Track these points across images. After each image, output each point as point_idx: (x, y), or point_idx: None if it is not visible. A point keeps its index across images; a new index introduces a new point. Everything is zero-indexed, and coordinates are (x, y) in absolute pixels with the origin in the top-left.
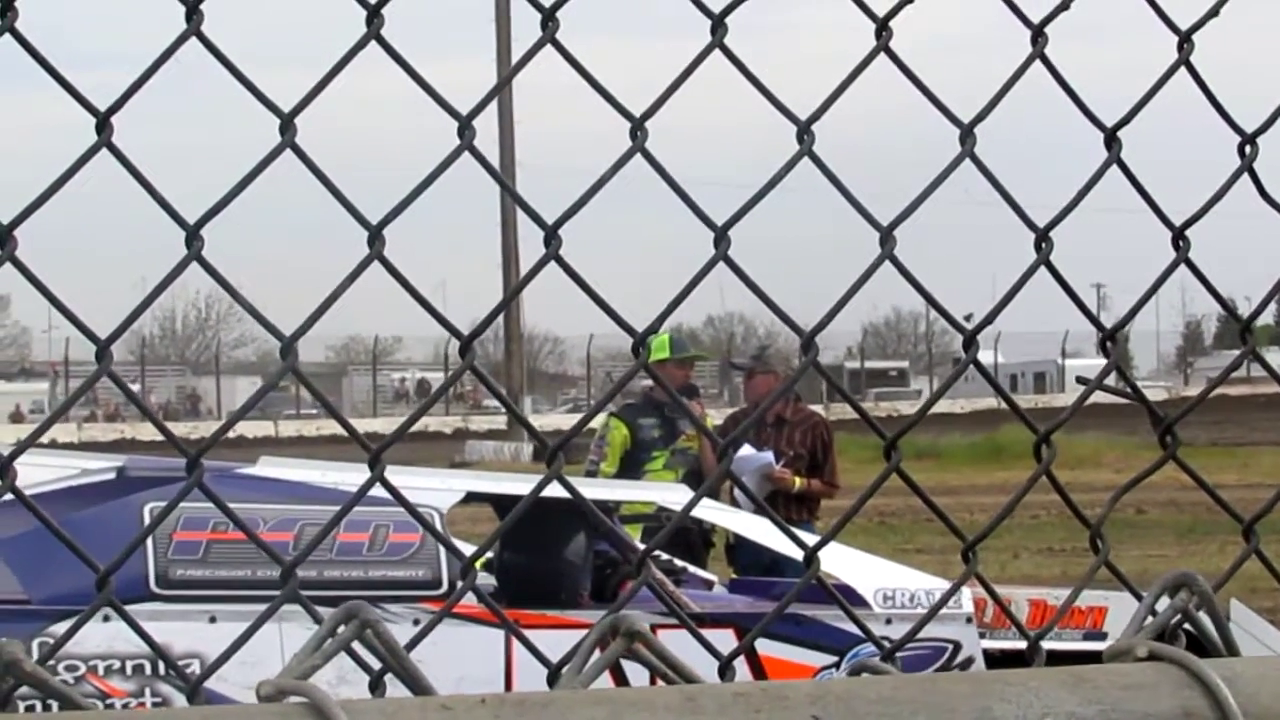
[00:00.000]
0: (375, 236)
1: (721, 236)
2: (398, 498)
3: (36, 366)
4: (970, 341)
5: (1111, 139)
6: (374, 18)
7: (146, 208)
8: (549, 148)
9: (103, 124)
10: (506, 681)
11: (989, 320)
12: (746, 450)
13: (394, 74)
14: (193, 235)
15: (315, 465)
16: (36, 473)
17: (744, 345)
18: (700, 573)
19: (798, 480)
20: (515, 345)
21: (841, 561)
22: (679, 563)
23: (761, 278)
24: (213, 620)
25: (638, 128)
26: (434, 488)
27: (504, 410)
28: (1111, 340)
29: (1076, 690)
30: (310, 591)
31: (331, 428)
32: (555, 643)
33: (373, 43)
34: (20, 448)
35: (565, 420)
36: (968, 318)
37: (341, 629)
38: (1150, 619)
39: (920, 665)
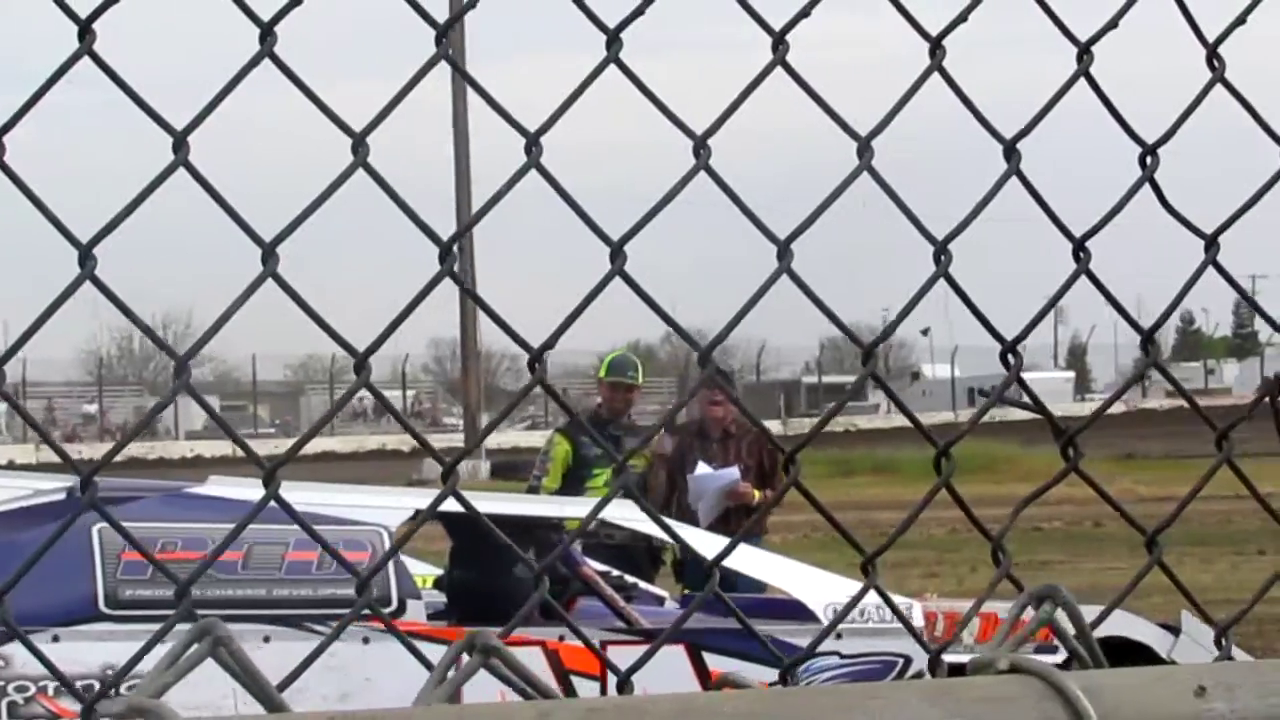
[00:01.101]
0: (446, 253)
1: (784, 251)
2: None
3: None
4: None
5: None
6: (442, 38)
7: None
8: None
9: (179, 144)
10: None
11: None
12: (704, 469)
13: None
14: (269, 253)
15: (251, 482)
16: None
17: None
18: (651, 589)
19: (756, 494)
20: (471, 362)
21: (791, 576)
22: (630, 579)
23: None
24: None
25: (700, 145)
26: (382, 505)
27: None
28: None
29: (938, 703)
30: (260, 610)
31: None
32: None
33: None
34: None
35: (522, 437)
36: (925, 331)
37: (195, 646)
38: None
39: (873, 678)
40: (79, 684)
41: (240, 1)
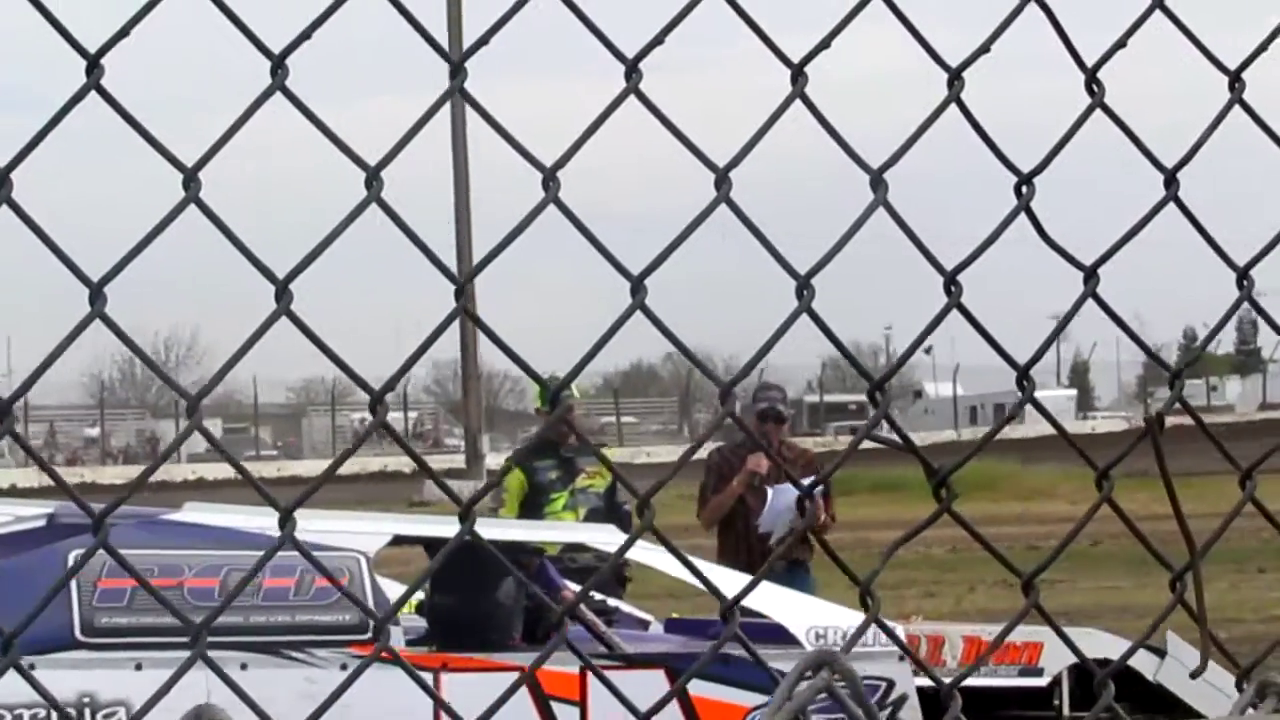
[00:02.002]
0: (460, 291)
1: (805, 286)
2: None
3: None
4: (876, 390)
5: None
6: (456, 73)
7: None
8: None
9: (190, 179)
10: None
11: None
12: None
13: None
14: (282, 290)
15: (241, 510)
16: None
17: (703, 382)
18: (636, 612)
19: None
20: (472, 384)
21: (774, 601)
22: (612, 602)
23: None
24: (139, 668)
25: (722, 179)
26: (360, 531)
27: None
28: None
29: None
30: (236, 637)
31: (292, 469)
32: (484, 685)
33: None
34: None
35: None
36: (928, 350)
37: None
38: (790, 699)
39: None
40: (55, 714)
41: (251, 34)
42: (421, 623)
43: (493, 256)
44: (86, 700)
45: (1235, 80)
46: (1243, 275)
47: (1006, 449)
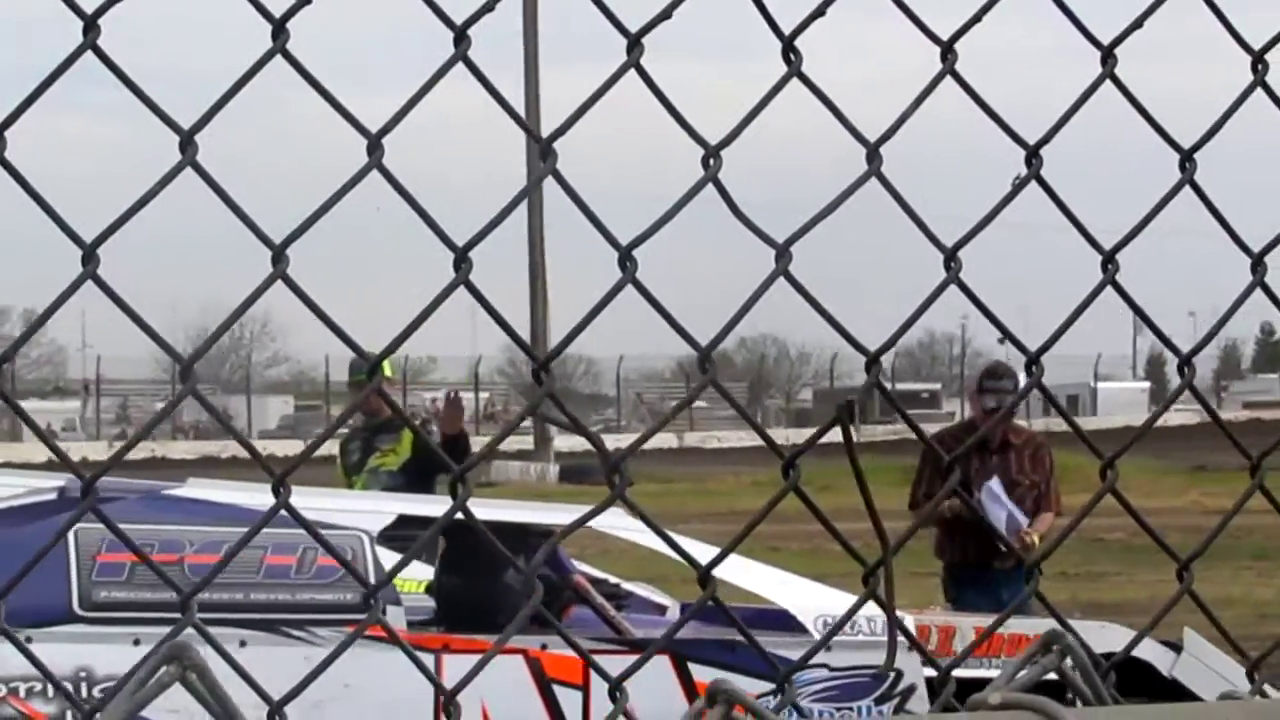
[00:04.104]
0: (461, 259)
1: (783, 253)
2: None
3: (70, 385)
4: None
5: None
6: (461, 39)
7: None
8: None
9: (186, 142)
10: (435, 705)
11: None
12: (997, 489)
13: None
14: (279, 255)
15: (243, 487)
16: None
17: (775, 366)
18: (654, 596)
19: (1037, 540)
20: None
21: (782, 587)
22: (626, 586)
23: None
24: (137, 643)
25: (712, 155)
26: (364, 510)
27: (532, 431)
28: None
29: None
30: (237, 614)
31: None
32: (491, 668)
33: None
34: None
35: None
36: (1001, 340)
37: (165, 669)
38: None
39: (861, 693)
40: (51, 686)
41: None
42: (430, 603)
43: (491, 227)
44: (83, 674)
45: (1258, 61)
46: (1257, 261)
47: (1077, 441)
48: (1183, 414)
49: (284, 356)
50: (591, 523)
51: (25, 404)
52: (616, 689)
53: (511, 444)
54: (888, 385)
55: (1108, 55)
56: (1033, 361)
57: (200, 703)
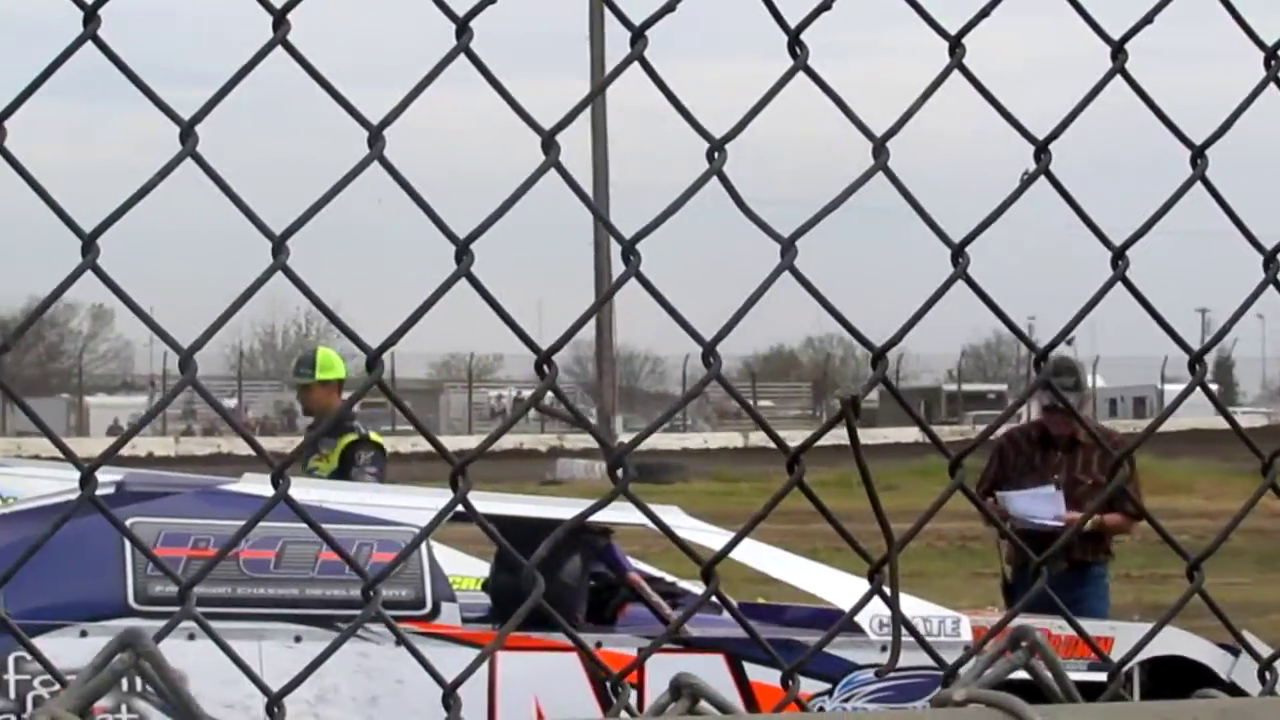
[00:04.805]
0: (463, 252)
1: (788, 247)
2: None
3: (137, 380)
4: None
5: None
6: (463, 32)
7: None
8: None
9: (187, 133)
10: (489, 701)
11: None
12: (1028, 501)
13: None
14: (278, 246)
15: (298, 483)
16: (39, 485)
17: (842, 367)
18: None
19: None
20: (605, 364)
21: (838, 587)
22: (683, 584)
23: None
24: (191, 637)
25: (717, 149)
26: (418, 506)
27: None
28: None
29: None
30: (292, 610)
31: (425, 444)
32: (545, 665)
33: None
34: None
35: (661, 439)
36: (1070, 340)
37: (119, 658)
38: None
39: (916, 693)
40: None
41: None
42: (486, 600)
43: (493, 220)
44: None
45: (1271, 58)
46: (1270, 258)
47: (1143, 443)
48: (1250, 417)
49: (349, 353)
50: (654, 525)
51: (93, 399)
52: (618, 685)
53: (577, 442)
54: (953, 387)
55: (1118, 50)
56: (1040, 358)
57: (156, 692)
